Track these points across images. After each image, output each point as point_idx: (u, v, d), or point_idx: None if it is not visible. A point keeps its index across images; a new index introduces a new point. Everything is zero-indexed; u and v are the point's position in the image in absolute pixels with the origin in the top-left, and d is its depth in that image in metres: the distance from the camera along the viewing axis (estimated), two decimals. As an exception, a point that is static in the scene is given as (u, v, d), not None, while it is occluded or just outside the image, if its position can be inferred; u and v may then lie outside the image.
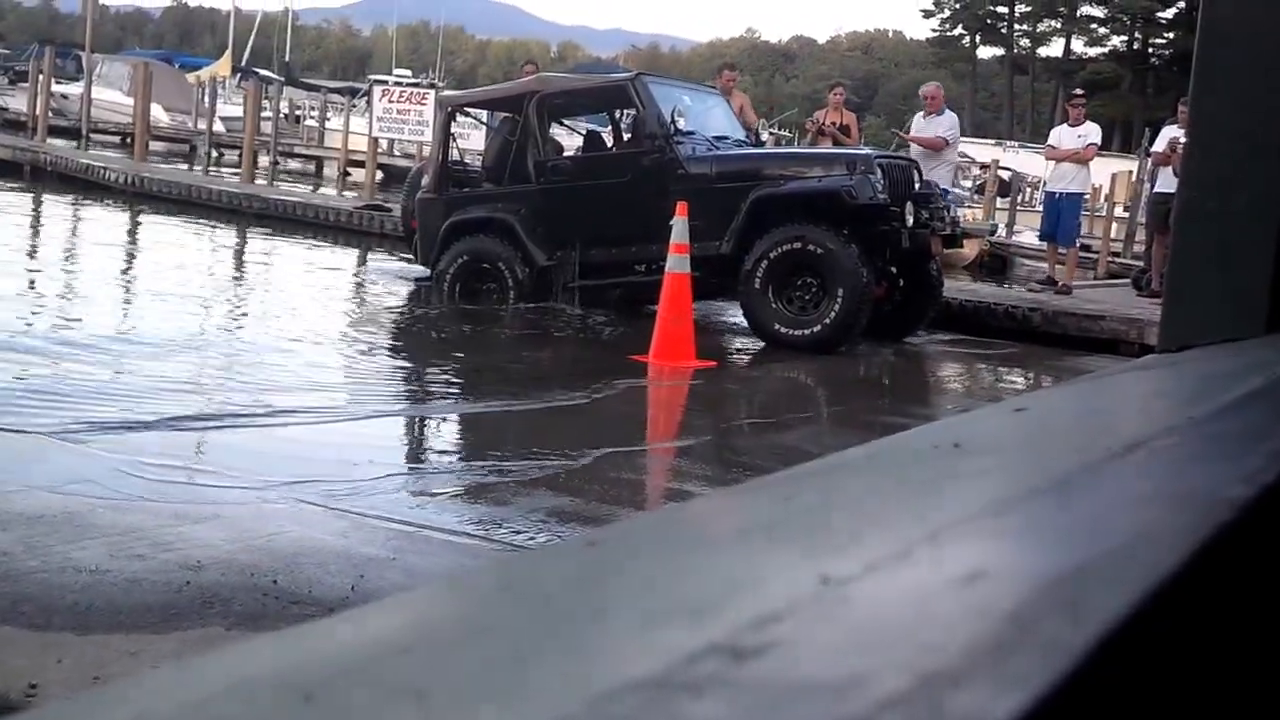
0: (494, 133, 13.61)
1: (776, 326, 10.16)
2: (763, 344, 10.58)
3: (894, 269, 10.79)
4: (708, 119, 11.67)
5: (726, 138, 11.62)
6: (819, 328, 9.98)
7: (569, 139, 15.48)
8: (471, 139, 20.48)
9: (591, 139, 13.45)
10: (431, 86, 30.71)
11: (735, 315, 11.97)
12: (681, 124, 10.88)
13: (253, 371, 7.72)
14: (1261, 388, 0.97)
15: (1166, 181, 13.48)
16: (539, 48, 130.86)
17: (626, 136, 12.86)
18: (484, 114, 15.32)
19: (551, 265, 11.26)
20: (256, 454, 5.72)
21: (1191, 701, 0.56)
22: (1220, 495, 0.59)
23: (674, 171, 10.66)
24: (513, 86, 13.36)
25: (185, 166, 27.19)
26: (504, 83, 15.69)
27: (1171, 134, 13.51)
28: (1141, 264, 16.69)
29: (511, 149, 11.77)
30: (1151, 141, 17.38)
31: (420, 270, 12.54)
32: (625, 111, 12.62)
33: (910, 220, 10.33)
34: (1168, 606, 0.48)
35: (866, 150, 11.60)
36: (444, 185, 12.14)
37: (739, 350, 10.74)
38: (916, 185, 10.93)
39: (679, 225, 9.45)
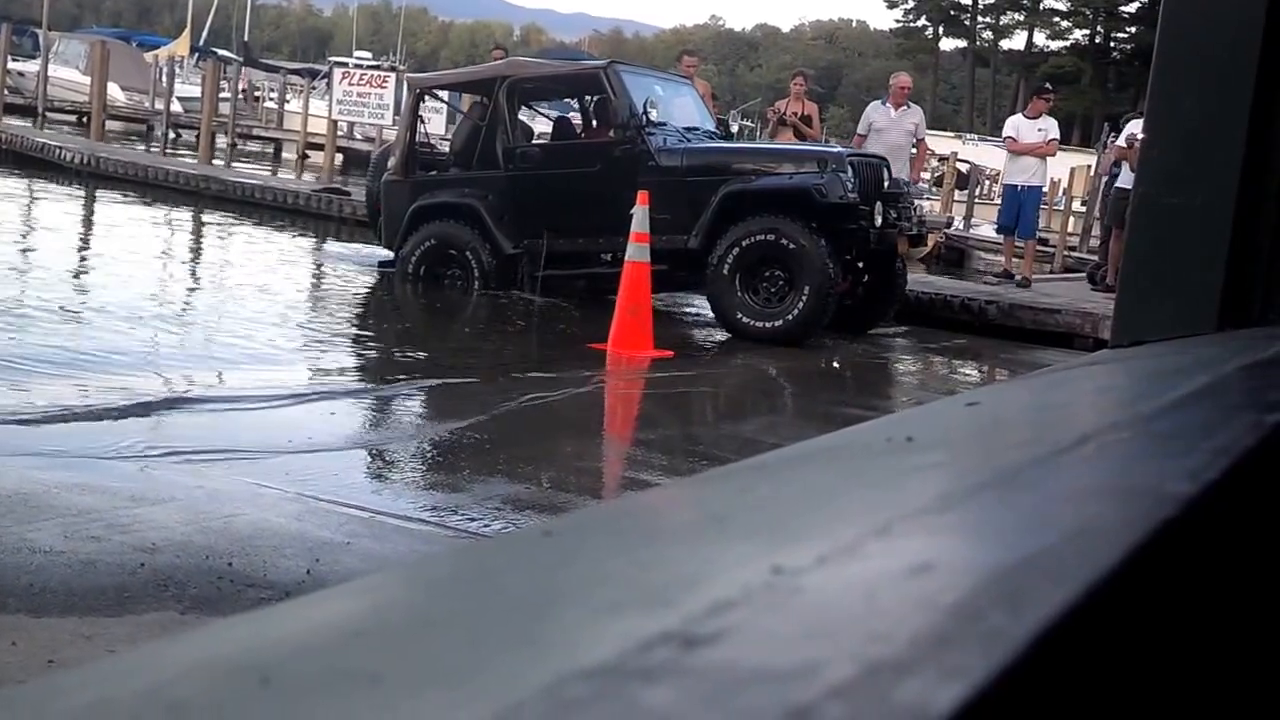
0: (463, 117, 13.48)
1: (741, 317, 10.18)
2: (721, 335, 10.59)
3: (859, 263, 10.83)
4: (679, 109, 11.63)
5: (697, 129, 11.57)
6: (784, 320, 10.02)
7: (538, 124, 15.38)
8: (432, 122, 20.32)
9: (561, 125, 13.34)
10: (393, 69, 30.45)
11: (695, 306, 11.98)
12: (654, 115, 10.82)
13: (207, 355, 7.68)
14: (1208, 385, 0.99)
15: (1128, 177, 13.55)
16: (502, 30, 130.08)
17: (594, 124, 12.74)
18: (449, 97, 15.20)
19: (518, 253, 11.18)
20: (213, 437, 5.70)
21: (1130, 695, 0.57)
22: (1164, 491, 0.60)
23: (644, 163, 10.63)
24: (483, 70, 13.25)
25: (142, 147, 26.89)
26: (473, 66, 15.47)
27: (1137, 129, 13.54)
28: (1097, 259, 16.81)
29: (480, 133, 11.68)
30: (1113, 136, 17.50)
31: (381, 254, 12.44)
32: (594, 99, 12.49)
33: (879, 220, 10.34)
34: (1107, 601, 0.49)
35: (839, 148, 11.53)
36: (411, 168, 12.03)
37: (697, 341, 10.76)
38: (886, 184, 10.93)
39: (639, 214, 9.44)
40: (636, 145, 10.71)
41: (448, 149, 13.26)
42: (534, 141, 12.98)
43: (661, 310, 11.55)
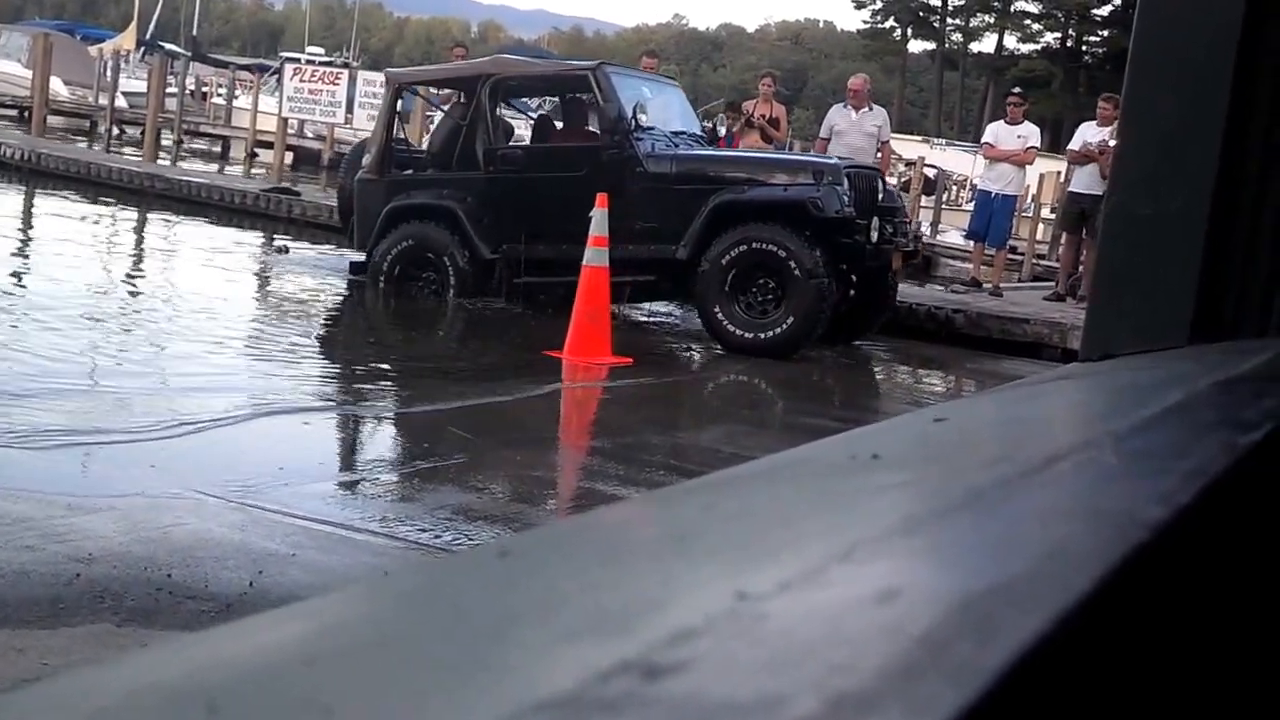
0: (444, 115, 13.23)
1: (731, 328, 9.98)
2: (683, 342, 10.55)
3: (851, 275, 10.61)
4: (665, 113, 11.38)
5: (684, 133, 11.34)
6: (776, 332, 9.84)
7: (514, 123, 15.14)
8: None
9: (542, 125, 12.98)
10: (345, 66, 30.33)
11: (662, 313, 11.92)
12: (644, 120, 10.59)
13: (148, 362, 7.49)
14: (1180, 403, 0.99)
15: (1081, 181, 13.55)
16: (459, 27, 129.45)
17: (573, 125, 12.51)
18: (430, 94, 14.90)
19: (496, 258, 10.88)
20: (154, 445, 5.54)
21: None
22: (1136, 516, 0.59)
23: (632, 168, 10.41)
24: (466, 67, 12.94)
25: (85, 143, 26.57)
26: (452, 63, 15.16)
27: (1088, 133, 13.52)
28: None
29: (460, 133, 11.40)
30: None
31: (353, 257, 12.22)
32: (574, 100, 12.28)
33: (874, 235, 10.16)
34: (1079, 630, 0.48)
35: (834, 159, 11.32)
36: (386, 167, 11.71)
37: (659, 348, 10.67)
38: (880, 196, 10.73)
39: (598, 217, 9.27)
40: (624, 150, 10.48)
41: (425, 147, 13.01)
42: (515, 143, 12.72)
43: (635, 319, 11.51)
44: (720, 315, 10.00)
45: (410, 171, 12.00)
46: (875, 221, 10.19)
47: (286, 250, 14.54)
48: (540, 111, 14.65)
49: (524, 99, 15.26)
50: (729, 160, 11.38)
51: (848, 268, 10.30)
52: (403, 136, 12.79)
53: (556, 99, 13.36)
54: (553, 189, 10.62)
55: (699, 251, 10.05)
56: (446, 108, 13.87)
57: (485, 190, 11.00)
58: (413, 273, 11.25)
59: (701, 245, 10.06)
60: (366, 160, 11.92)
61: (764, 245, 9.85)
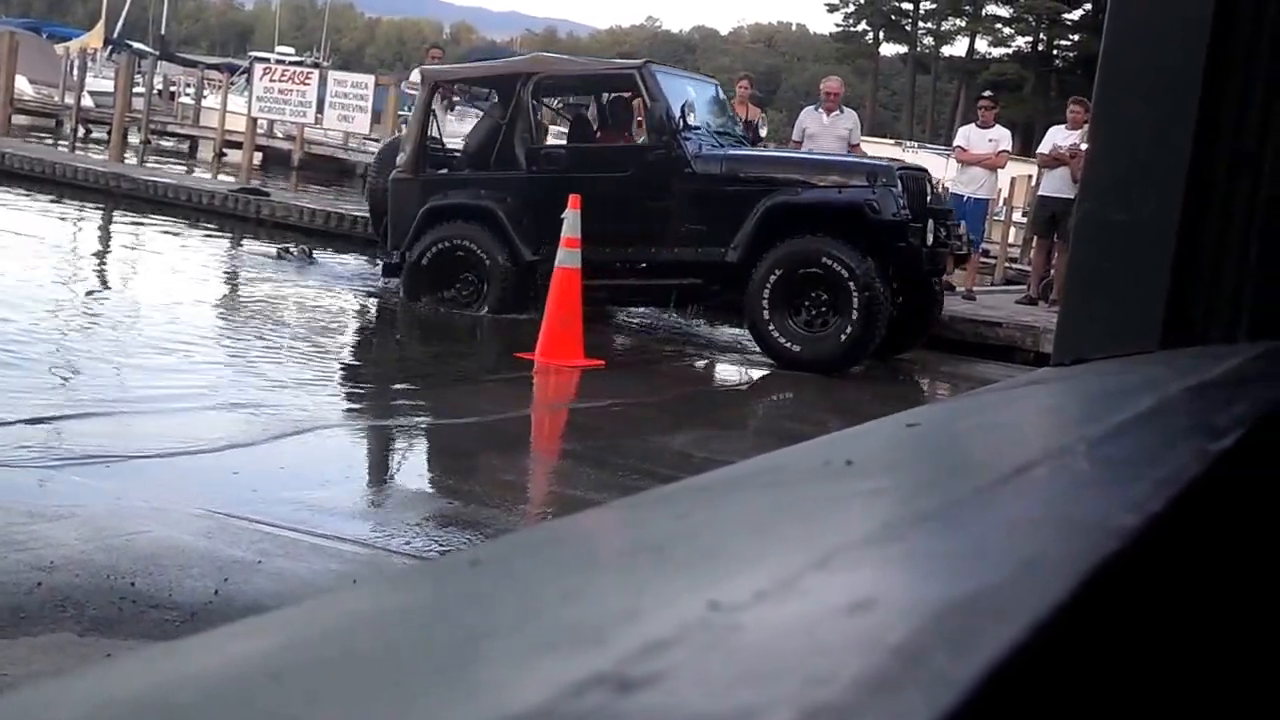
0: (483, 115, 12.79)
1: (784, 343, 9.63)
2: (658, 343, 10.51)
3: (901, 281, 10.14)
4: (708, 113, 11.10)
5: (728, 134, 11.11)
6: (832, 345, 9.51)
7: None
8: (356, 120, 19.88)
9: (578, 124, 12.50)
10: (316, 65, 30.17)
11: (632, 315, 11.86)
12: (692, 120, 10.33)
13: (113, 366, 7.38)
14: (1152, 408, 0.99)
15: (1050, 185, 13.58)
16: (431, 28, 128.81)
17: (611, 124, 12.15)
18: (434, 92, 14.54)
19: (538, 260, 10.39)
20: (117, 451, 5.44)
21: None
22: (1109, 524, 0.59)
23: (680, 169, 10.14)
24: (506, 65, 12.56)
25: (50, 143, 26.35)
26: (496, 60, 14.70)
27: (1058, 136, 13.56)
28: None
29: (499, 132, 11.08)
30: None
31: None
32: (618, 99, 11.89)
33: (930, 239, 9.87)
34: (1054, 639, 0.48)
35: (886, 161, 10.93)
36: (422, 166, 11.38)
37: (633, 349, 10.61)
38: (929, 198, 10.42)
39: (570, 218, 9.14)
40: (672, 150, 10.18)
41: (461, 147, 12.35)
42: (557, 142, 12.34)
43: (620, 320, 11.43)
44: (772, 328, 9.66)
45: (444, 171, 11.68)
46: (930, 224, 9.90)
47: (309, 253, 13.90)
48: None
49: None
50: (780, 161, 11.10)
51: (899, 274, 9.91)
52: (436, 135, 12.19)
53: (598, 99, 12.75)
54: (597, 190, 10.18)
55: (750, 255, 9.73)
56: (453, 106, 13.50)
57: (526, 190, 10.67)
58: (449, 274, 10.90)
59: (752, 248, 9.75)
60: (400, 159, 11.53)
61: (817, 256, 9.51)
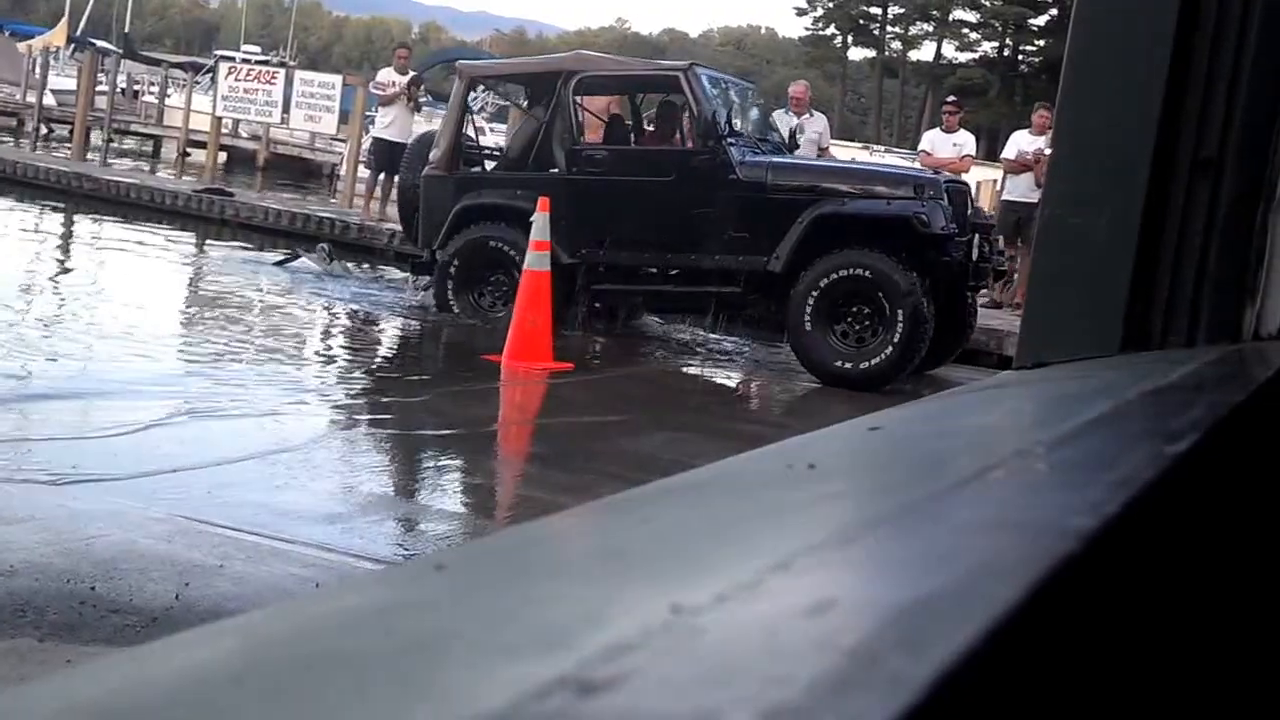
0: (525, 115, 12.45)
1: (830, 360, 9.51)
2: (626, 344, 10.49)
3: (940, 295, 9.92)
4: (746, 117, 11.00)
5: (769, 139, 11.01)
6: (876, 360, 9.37)
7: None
8: (295, 117, 19.71)
9: (613, 126, 12.13)
10: (282, 65, 30.03)
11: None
12: (737, 124, 10.22)
13: (74, 369, 7.31)
14: (1108, 413, 1.00)
15: (1016, 190, 13.68)
16: (399, 27, 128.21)
17: (649, 128, 12.08)
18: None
19: (575, 263, 10.26)
20: (76, 454, 5.41)
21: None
22: (1066, 526, 0.60)
23: (724, 175, 9.95)
24: (545, 62, 12.45)
25: (11, 142, 26.14)
26: (536, 57, 14.47)
27: (1022, 141, 13.66)
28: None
29: (539, 130, 10.90)
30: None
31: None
32: (666, 102, 11.66)
33: (975, 253, 9.77)
34: (1008, 641, 0.48)
35: (931, 173, 10.84)
36: (456, 163, 11.23)
37: (601, 353, 10.59)
38: (970, 211, 10.28)
39: (539, 221, 9.08)
40: (717, 156, 9.99)
41: (502, 147, 12.19)
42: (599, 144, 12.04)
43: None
44: (817, 346, 9.53)
45: (476, 169, 11.55)
46: (976, 239, 9.81)
47: (328, 251, 13.73)
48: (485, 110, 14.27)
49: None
50: (827, 170, 10.88)
51: (942, 288, 9.75)
52: (470, 133, 12.10)
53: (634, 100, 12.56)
54: (638, 193, 10.12)
55: (793, 266, 9.58)
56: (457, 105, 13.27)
57: (564, 191, 10.29)
58: (481, 274, 10.77)
59: (796, 259, 9.59)
60: (433, 156, 11.32)
61: (862, 271, 9.37)
